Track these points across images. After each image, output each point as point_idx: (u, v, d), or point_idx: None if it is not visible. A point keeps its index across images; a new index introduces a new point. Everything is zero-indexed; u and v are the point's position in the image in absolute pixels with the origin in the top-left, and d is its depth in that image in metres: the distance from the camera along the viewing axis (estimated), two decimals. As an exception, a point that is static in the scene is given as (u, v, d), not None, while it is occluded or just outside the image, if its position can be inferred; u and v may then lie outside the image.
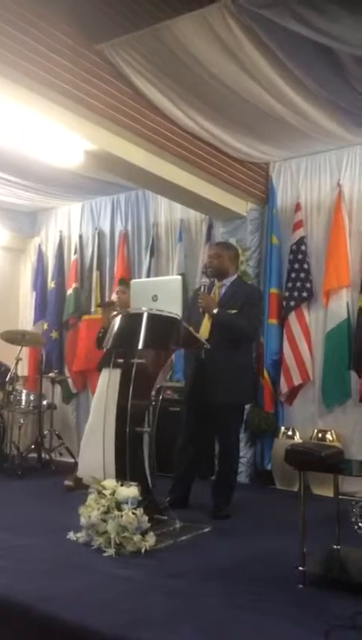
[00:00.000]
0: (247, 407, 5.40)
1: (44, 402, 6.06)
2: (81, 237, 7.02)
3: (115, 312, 4.34)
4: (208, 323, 4.04)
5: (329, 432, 5.02)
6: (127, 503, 3.15)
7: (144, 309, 3.60)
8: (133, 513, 3.12)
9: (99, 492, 3.25)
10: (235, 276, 4.31)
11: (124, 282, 5.17)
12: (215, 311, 4.00)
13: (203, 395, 4.05)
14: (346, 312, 5.04)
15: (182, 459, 4.23)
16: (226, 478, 4.16)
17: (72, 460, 5.84)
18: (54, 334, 6.88)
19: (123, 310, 4.05)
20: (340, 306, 5.07)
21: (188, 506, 4.13)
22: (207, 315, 4.05)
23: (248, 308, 4.07)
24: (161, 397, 5.33)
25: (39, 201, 6.90)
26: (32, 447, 5.80)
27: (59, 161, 4.73)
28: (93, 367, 5.34)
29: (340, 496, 3.12)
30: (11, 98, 3.61)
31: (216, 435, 4.36)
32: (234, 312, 4.03)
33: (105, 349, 4.36)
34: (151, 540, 3.15)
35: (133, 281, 4.45)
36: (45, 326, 6.99)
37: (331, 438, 4.98)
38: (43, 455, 5.77)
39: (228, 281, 4.23)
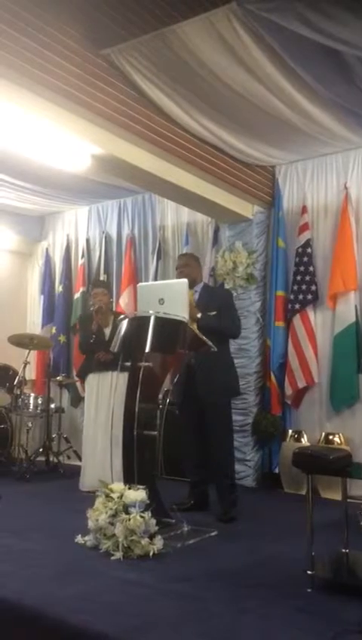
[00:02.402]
0: (254, 411, 5.42)
1: (52, 406, 6.09)
2: (88, 241, 7.05)
3: (122, 317, 4.33)
4: (193, 328, 4.09)
5: (337, 435, 5.01)
6: (134, 507, 3.15)
7: (151, 312, 3.60)
8: (141, 516, 3.11)
9: (107, 495, 3.25)
10: (202, 283, 4.50)
11: (98, 284, 5.21)
12: (198, 315, 4.08)
13: (193, 397, 4.12)
14: (354, 315, 5.03)
15: (190, 463, 4.30)
16: (225, 477, 4.16)
17: (80, 464, 5.84)
18: (62, 338, 6.92)
19: (129, 314, 4.07)
20: (348, 309, 5.06)
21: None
22: (190, 321, 4.11)
23: (226, 309, 4.24)
24: (168, 400, 5.38)
25: (46, 205, 6.94)
26: (40, 450, 5.82)
27: (66, 165, 4.75)
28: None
29: (348, 500, 3.10)
30: (18, 103, 3.63)
31: (209, 435, 4.38)
32: (213, 313, 4.15)
33: (115, 353, 4.35)
34: (158, 543, 3.14)
35: (140, 284, 4.47)
36: (53, 330, 7.02)
37: (339, 441, 4.97)
38: (51, 458, 5.79)
39: (198, 287, 4.37)
